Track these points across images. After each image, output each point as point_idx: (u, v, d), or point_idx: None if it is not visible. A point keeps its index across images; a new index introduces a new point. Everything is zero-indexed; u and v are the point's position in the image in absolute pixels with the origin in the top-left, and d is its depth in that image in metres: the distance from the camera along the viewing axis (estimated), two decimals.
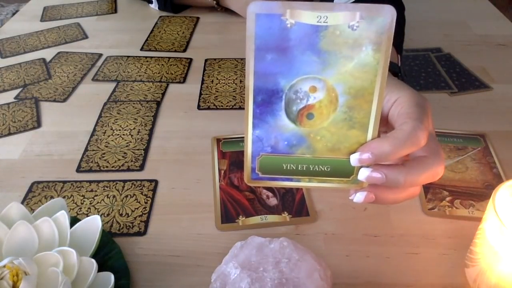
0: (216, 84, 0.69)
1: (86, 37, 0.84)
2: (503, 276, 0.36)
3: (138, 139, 0.59)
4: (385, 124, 0.36)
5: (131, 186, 0.51)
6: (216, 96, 0.67)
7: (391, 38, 0.30)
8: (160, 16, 0.90)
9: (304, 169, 0.34)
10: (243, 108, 0.64)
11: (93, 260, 0.37)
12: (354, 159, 0.33)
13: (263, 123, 0.33)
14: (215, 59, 0.76)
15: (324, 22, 0.29)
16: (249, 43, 0.30)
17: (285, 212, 0.48)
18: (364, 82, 0.31)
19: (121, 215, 0.48)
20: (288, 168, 0.34)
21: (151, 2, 0.92)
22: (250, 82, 0.31)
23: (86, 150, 0.57)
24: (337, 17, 0.29)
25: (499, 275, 0.36)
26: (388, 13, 0.29)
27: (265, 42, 0.30)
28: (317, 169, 0.34)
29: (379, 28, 0.29)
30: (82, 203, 0.49)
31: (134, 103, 0.65)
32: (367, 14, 0.29)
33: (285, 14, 0.29)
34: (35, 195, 0.51)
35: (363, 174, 0.33)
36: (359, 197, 0.34)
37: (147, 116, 0.63)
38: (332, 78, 0.31)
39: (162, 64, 0.75)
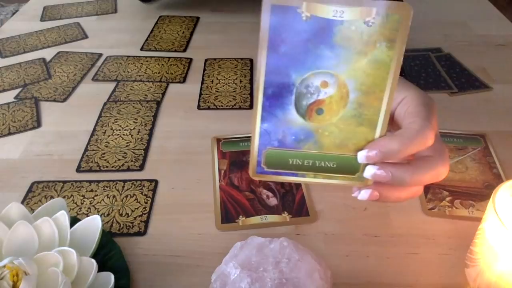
0: (216, 84, 0.69)
1: (86, 37, 0.84)
2: (503, 276, 0.36)
3: (138, 139, 0.59)
4: (390, 123, 0.36)
5: (131, 186, 0.51)
6: (216, 96, 0.67)
7: (406, 36, 0.29)
8: (160, 16, 0.90)
9: (310, 164, 0.34)
10: (243, 108, 0.65)
11: (93, 260, 0.37)
12: (361, 156, 0.33)
13: (271, 117, 0.32)
14: (215, 59, 0.76)
15: (340, 16, 0.29)
16: (263, 34, 0.30)
17: (285, 212, 0.48)
18: (376, 79, 0.31)
19: (121, 215, 0.48)
20: (294, 163, 0.34)
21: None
22: (261, 74, 0.31)
23: (86, 150, 0.57)
24: (353, 12, 0.29)
25: (499, 275, 0.36)
26: (405, 10, 0.29)
27: (279, 34, 0.30)
28: (323, 165, 0.34)
29: (394, 25, 0.29)
30: (82, 203, 0.49)
31: (134, 103, 0.65)
32: (383, 10, 0.29)
33: (301, 6, 0.29)
34: (35, 195, 0.51)
35: (370, 171, 0.33)
36: (363, 194, 0.34)
37: (147, 116, 0.63)
38: (344, 74, 0.31)
39: (162, 64, 0.75)
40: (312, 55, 0.30)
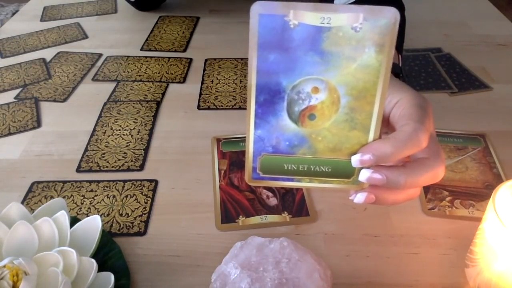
0: (216, 84, 0.69)
1: (86, 37, 0.84)
2: (503, 275, 0.36)
3: (138, 139, 0.59)
4: (386, 126, 0.36)
5: (131, 186, 0.51)
6: (216, 96, 0.67)
7: (394, 40, 0.30)
8: (160, 16, 0.90)
9: (305, 169, 0.34)
10: (243, 108, 0.64)
11: (93, 260, 0.37)
12: (355, 160, 0.33)
13: (264, 123, 0.33)
14: (215, 59, 0.76)
15: (327, 23, 0.29)
16: (252, 43, 0.30)
17: (285, 212, 0.48)
18: (366, 83, 0.31)
19: (121, 215, 0.48)
20: (289, 168, 0.34)
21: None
22: (252, 82, 0.31)
23: (86, 150, 0.57)
24: (340, 19, 0.29)
25: (499, 275, 0.36)
26: (392, 15, 0.29)
27: (268, 42, 0.30)
28: (318, 170, 0.34)
29: (382, 29, 0.29)
30: (82, 203, 0.49)
31: (134, 103, 0.65)
32: (370, 15, 0.29)
33: (289, 14, 0.29)
34: (35, 195, 0.51)
35: (364, 175, 0.33)
36: (359, 197, 0.34)
37: (147, 116, 0.63)
38: (335, 79, 0.31)
39: (162, 64, 0.75)
40: (302, 61, 0.31)
